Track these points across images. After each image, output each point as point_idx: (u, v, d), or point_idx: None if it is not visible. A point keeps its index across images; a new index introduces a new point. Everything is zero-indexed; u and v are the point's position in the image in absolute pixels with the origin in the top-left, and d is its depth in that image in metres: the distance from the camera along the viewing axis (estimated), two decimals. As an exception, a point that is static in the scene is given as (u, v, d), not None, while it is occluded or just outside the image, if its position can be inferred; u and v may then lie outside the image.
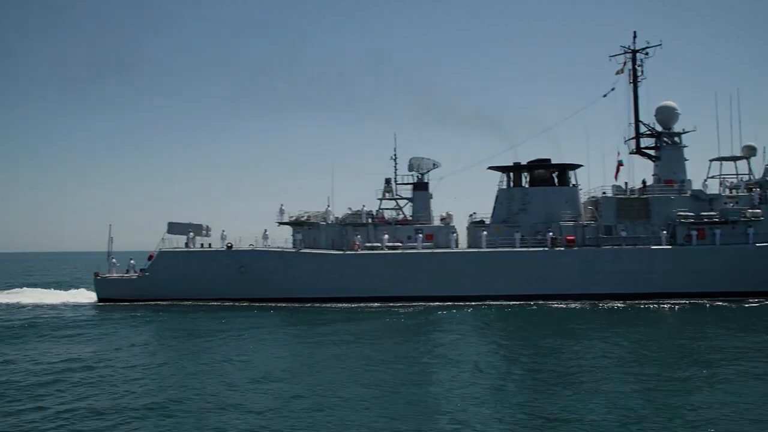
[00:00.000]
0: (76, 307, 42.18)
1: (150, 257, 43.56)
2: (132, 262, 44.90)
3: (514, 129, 69.69)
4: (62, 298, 45.98)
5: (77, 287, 54.33)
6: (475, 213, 45.64)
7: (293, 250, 42.67)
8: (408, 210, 45.93)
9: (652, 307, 38.29)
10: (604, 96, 46.73)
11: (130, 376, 21.32)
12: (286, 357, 25.12)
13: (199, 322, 34.22)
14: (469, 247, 44.49)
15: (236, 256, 42.62)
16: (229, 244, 43.19)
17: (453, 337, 28.79)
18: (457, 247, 43.97)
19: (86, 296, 46.93)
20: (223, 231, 43.96)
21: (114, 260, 44.29)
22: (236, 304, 41.21)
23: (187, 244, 45.17)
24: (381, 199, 45.95)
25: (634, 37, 45.77)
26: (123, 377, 21.07)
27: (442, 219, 45.31)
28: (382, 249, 42.64)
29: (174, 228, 45.05)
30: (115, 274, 44.18)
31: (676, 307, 38.32)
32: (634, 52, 45.82)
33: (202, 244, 44.32)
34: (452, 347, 26.32)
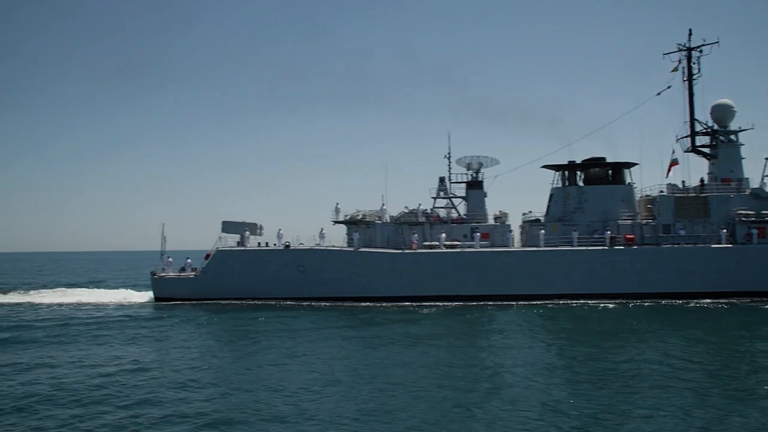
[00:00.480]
0: (133, 306, 42.07)
1: (207, 256, 43.41)
2: (189, 260, 44.77)
3: (566, 128, 69.11)
4: (112, 298, 45.89)
5: (118, 287, 54.60)
6: (530, 211, 45.60)
7: (352, 249, 42.52)
8: (462, 208, 45.83)
9: (711, 305, 38.30)
10: (658, 94, 46.65)
11: (196, 378, 20.63)
12: (355, 359, 24.06)
13: (259, 322, 33.81)
14: (523, 245, 44.39)
15: (295, 255, 42.47)
16: (287, 243, 43.04)
17: (522, 338, 28.39)
18: (513, 246, 43.85)
19: (136, 295, 46.92)
20: (280, 230, 43.86)
21: (170, 259, 44.14)
22: (294, 303, 41.10)
23: (239, 243, 45.18)
24: (435, 198, 45.80)
25: (690, 34, 45.62)
26: (189, 380, 20.35)
27: (497, 218, 45.18)
28: (439, 248, 42.52)
29: (228, 227, 44.90)
30: (171, 273, 44.03)
31: (738, 304, 38.43)
32: (690, 49, 45.62)
33: (259, 243, 44.16)
34: (523, 348, 25.87)
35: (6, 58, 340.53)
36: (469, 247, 42.57)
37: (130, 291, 49.09)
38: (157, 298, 43.36)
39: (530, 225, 44.46)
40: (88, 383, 19.73)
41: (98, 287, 55.79)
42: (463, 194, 45.74)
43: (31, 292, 50.87)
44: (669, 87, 45.73)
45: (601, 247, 41.87)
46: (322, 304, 40.79)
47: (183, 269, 44.89)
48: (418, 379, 20.33)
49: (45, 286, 58.13)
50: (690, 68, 45.61)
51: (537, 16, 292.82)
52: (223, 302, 41.64)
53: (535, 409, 16.65)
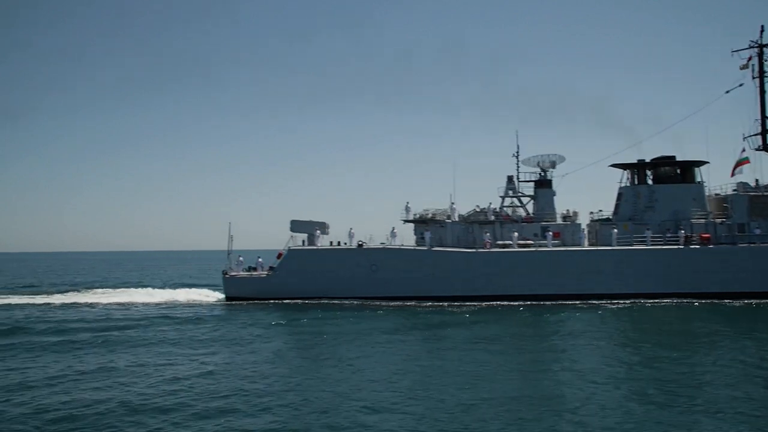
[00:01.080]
0: (204, 306, 41.95)
1: (279, 255, 43.25)
2: (260, 260, 44.62)
3: (633, 126, 68.80)
4: (181, 297, 45.78)
5: (175, 287, 54.54)
6: (600, 210, 45.33)
7: (425, 249, 42.30)
8: (530, 207, 45.57)
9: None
10: (727, 92, 46.24)
11: (273, 384, 19.63)
12: (450, 364, 22.69)
13: (337, 322, 33.39)
14: (592, 244, 44.11)
15: (368, 254, 42.28)
16: (360, 242, 42.84)
17: (612, 339, 27.99)
18: (584, 245, 43.58)
19: (203, 294, 46.82)
20: (351, 229, 43.63)
21: (241, 258, 44.00)
22: (367, 303, 40.89)
23: (305, 242, 45.10)
24: (503, 197, 45.55)
25: (761, 31, 45.15)
26: (265, 386, 19.20)
27: (565, 217, 44.90)
28: (512, 247, 42.29)
29: (297, 226, 44.75)
30: (242, 273, 43.90)
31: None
32: (762, 46, 45.16)
33: (331, 242, 43.98)
34: (616, 349, 25.39)
35: (6, 57, 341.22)
36: (542, 246, 42.33)
37: (195, 290, 48.91)
38: (228, 298, 43.22)
39: (600, 224, 44.19)
40: (166, 389, 18.86)
41: (154, 287, 55.32)
42: (531, 193, 45.57)
43: (96, 291, 51.21)
44: (741, 85, 45.33)
45: (676, 247, 41.59)
46: (395, 303, 40.60)
47: (253, 268, 44.77)
48: (505, 382, 19.61)
49: (103, 286, 58.30)
50: (762, 65, 45.14)
51: (600, 10, 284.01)
52: (296, 302, 41.52)
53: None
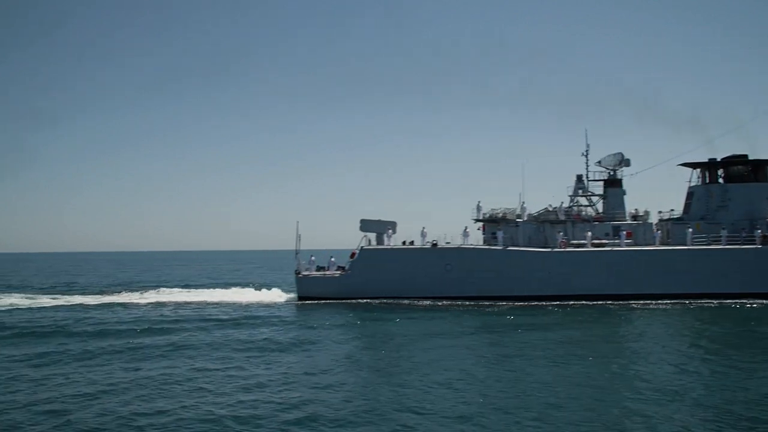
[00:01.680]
0: (277, 306, 41.91)
1: (352, 255, 43.24)
2: (333, 259, 44.65)
3: (705, 125, 68.03)
4: (251, 297, 45.81)
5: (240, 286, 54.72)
6: (672, 210, 45.08)
7: (500, 248, 42.19)
8: (599, 207, 45.40)
9: None
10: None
11: (350, 387, 19.07)
12: (542, 370, 21.44)
13: (418, 321, 33.25)
14: (663, 244, 43.85)
15: (442, 253, 42.21)
16: (434, 242, 42.77)
17: (701, 342, 27.41)
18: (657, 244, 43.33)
19: (273, 294, 46.86)
20: (423, 228, 43.54)
21: (313, 258, 44.03)
22: (440, 303, 40.79)
23: (371, 242, 45.19)
24: (572, 196, 45.40)
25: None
26: (345, 392, 18.37)
27: (634, 216, 44.68)
28: (587, 246, 42.12)
29: (366, 225, 44.74)
30: (315, 272, 43.94)
31: None
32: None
33: (404, 242, 43.92)
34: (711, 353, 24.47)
35: (5, 57, 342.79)
36: (615, 245, 42.14)
37: (265, 290, 48.92)
38: (300, 297, 43.23)
39: (672, 223, 43.97)
40: (247, 391, 18.51)
41: (222, 288, 54.97)
42: (600, 192, 45.41)
43: (163, 290, 51.94)
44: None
45: (753, 246, 41.31)
46: (469, 303, 40.46)
47: (322, 268, 44.77)
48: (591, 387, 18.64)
49: (159, 285, 58.57)
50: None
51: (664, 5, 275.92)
52: (369, 302, 41.50)
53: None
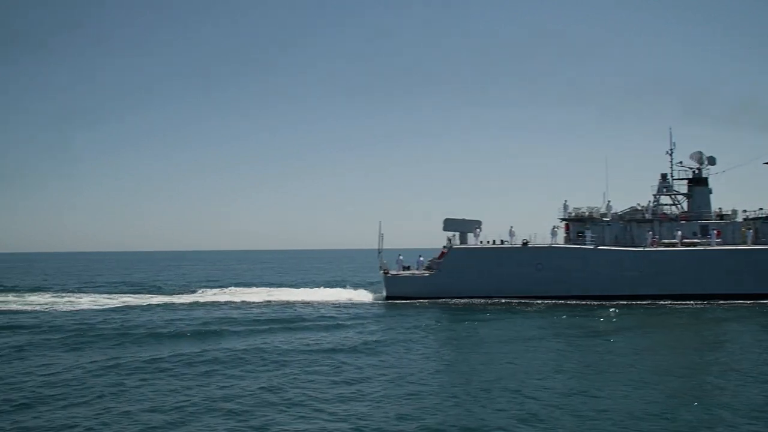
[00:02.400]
0: (368, 305, 41.86)
1: (441, 255, 43.17)
2: (421, 258, 44.62)
3: None
4: (337, 297, 45.76)
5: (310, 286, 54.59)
6: (761, 209, 44.75)
7: (590, 247, 42.03)
8: (683, 206, 45.18)
9: None
10: None
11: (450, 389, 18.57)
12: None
13: (513, 323, 32.90)
14: (753, 243, 43.56)
15: (533, 253, 42.11)
16: (525, 241, 42.67)
17: None
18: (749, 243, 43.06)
19: (358, 294, 46.82)
20: (512, 227, 43.44)
21: (401, 257, 44.03)
22: (532, 302, 40.65)
23: (450, 241, 45.26)
24: (656, 195, 45.18)
25: None
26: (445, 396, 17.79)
27: (720, 215, 44.41)
28: (677, 246, 41.91)
29: (450, 225, 44.71)
30: (404, 272, 43.91)
31: None
32: None
33: (493, 241, 43.85)
34: None
35: (6, 56, 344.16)
36: (706, 245, 41.92)
37: (349, 290, 48.85)
38: (388, 297, 43.16)
39: (762, 222, 43.69)
40: (349, 392, 18.08)
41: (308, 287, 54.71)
42: (685, 191, 45.18)
43: (248, 289, 52.14)
44: None
45: None
46: (562, 303, 40.32)
47: (406, 267, 44.72)
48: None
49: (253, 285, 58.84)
50: None
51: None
52: (459, 301, 41.42)
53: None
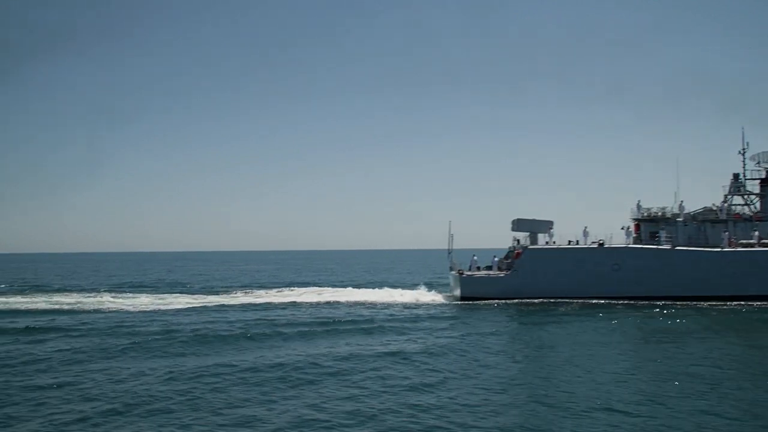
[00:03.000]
0: (444, 306, 41.73)
1: (516, 255, 43.04)
2: (475, 258, 44.53)
3: None
4: (408, 298, 45.60)
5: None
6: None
7: (668, 248, 41.85)
8: (756, 206, 44.95)
9: None
10: None
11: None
12: None
13: (596, 324, 32.42)
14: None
15: (610, 253, 41.94)
16: (601, 241, 42.51)
17: None
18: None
19: (425, 295, 46.73)
20: (586, 227, 43.31)
21: (475, 257, 43.94)
22: (609, 302, 40.52)
23: (519, 242, 45.27)
24: (728, 195, 44.97)
25: None
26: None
27: (792, 215, 44.17)
28: (756, 246, 41.68)
29: (521, 225, 44.63)
30: (479, 272, 43.80)
31: None
32: None
33: (570, 242, 43.70)
34: None
35: (6, 56, 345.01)
36: (784, 245, 41.70)
37: (420, 290, 48.75)
38: (463, 297, 43.03)
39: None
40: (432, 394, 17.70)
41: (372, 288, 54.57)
42: (757, 191, 44.95)
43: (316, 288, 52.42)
44: None
45: None
46: (640, 303, 40.13)
47: (477, 268, 44.61)
48: None
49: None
50: None
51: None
52: (534, 301, 41.27)
53: None
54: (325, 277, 79.82)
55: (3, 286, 64.91)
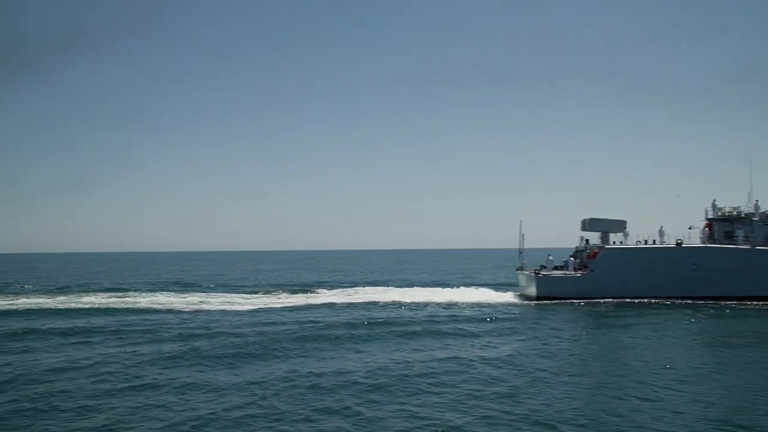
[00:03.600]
0: (521, 306, 41.22)
1: (593, 254, 42.54)
2: (550, 257, 44.15)
3: None
4: (479, 297, 45.17)
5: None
6: None
7: (747, 247, 41.47)
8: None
9: None
10: None
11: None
12: None
13: (684, 324, 31.87)
14: None
15: (689, 253, 41.52)
16: (679, 241, 42.07)
17: None
18: None
19: (497, 295, 46.21)
20: (661, 227, 42.91)
21: (551, 257, 43.44)
22: (690, 302, 40.10)
23: (587, 242, 44.94)
24: (801, 194, 44.74)
25: None
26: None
27: None
28: (835, 245, 41.45)
29: (594, 225, 44.21)
30: (555, 272, 43.29)
31: None
32: None
33: (645, 241, 43.25)
34: None
35: (5, 56, 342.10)
36: None
37: (483, 290, 48.27)
38: (539, 297, 42.48)
39: None
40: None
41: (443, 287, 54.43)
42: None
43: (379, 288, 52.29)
44: None
45: None
46: (726, 303, 39.77)
47: (543, 267, 44.10)
48: None
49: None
50: None
51: None
52: (611, 302, 40.79)
53: None
54: (379, 277, 79.17)
55: (54, 286, 64.04)
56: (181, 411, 15.70)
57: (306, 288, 57.76)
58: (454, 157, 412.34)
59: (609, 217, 44.59)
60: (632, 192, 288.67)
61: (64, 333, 29.50)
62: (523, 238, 44.52)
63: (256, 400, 16.80)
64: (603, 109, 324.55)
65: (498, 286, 51.27)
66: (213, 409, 15.85)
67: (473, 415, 15.35)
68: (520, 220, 44.97)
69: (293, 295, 49.52)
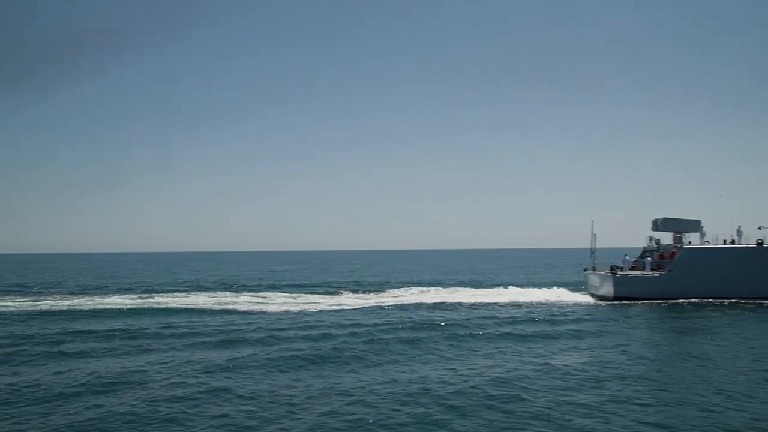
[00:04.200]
0: (597, 306, 40.49)
1: (672, 254, 41.90)
2: (627, 257, 43.56)
3: None
4: (550, 296, 44.63)
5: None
6: None
7: (829, 247, 41.01)
8: None
9: None
10: None
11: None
12: None
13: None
14: None
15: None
16: (760, 241, 41.51)
17: None
18: None
19: (570, 295, 45.56)
20: (739, 227, 42.31)
21: (627, 257, 42.77)
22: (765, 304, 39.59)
23: (658, 242, 44.41)
24: None
25: None
26: None
27: None
28: None
29: (667, 224, 43.64)
30: (632, 272, 42.62)
31: None
32: None
33: (725, 241, 42.63)
34: None
35: (6, 55, 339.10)
36: None
37: (554, 290, 47.51)
38: (616, 297, 41.78)
39: None
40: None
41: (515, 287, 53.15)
42: None
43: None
44: None
45: None
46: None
47: (618, 267, 43.41)
48: None
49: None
50: None
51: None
52: (692, 301, 40.18)
53: None
54: (432, 277, 78.17)
55: (131, 290, 62.68)
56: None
57: (365, 288, 56.26)
58: (454, 157, 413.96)
59: (682, 217, 43.98)
60: (630, 192, 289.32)
61: (157, 335, 28.61)
62: (595, 239, 43.89)
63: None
64: (603, 108, 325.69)
65: (563, 286, 50.46)
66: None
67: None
68: (592, 220, 44.39)
69: (356, 295, 48.45)
